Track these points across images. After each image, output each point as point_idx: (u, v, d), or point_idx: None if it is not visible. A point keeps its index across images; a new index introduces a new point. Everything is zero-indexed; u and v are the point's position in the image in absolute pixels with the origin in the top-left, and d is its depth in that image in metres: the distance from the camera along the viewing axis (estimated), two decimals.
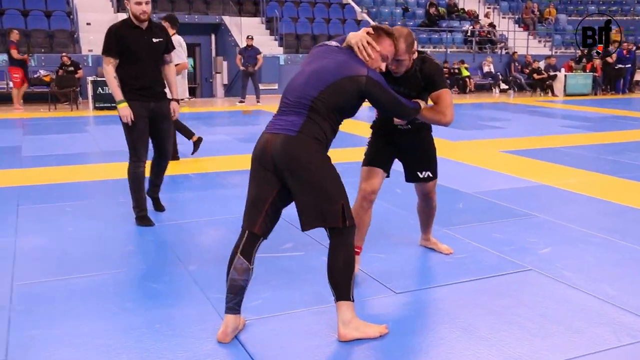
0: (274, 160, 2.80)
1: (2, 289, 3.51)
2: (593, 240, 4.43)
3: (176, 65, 6.81)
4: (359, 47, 2.95)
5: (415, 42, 3.53)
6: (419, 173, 3.80)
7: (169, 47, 4.79)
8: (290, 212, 4.45)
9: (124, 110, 4.50)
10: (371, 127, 3.86)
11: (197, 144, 7.50)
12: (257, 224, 2.86)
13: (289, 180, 2.80)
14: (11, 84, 14.17)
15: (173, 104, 4.90)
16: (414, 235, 4.41)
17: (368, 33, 2.99)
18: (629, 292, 3.48)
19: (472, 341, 2.93)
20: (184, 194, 5.66)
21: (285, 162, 2.78)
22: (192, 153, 7.53)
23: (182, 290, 3.53)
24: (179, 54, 6.92)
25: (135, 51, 4.55)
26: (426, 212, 4.09)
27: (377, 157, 3.73)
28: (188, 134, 7.47)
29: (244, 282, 2.86)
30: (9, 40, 13.70)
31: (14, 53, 13.54)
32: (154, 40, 4.63)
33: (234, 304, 2.89)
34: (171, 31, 6.93)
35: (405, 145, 3.75)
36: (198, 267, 3.87)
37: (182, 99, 7.04)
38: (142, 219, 4.78)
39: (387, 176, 3.80)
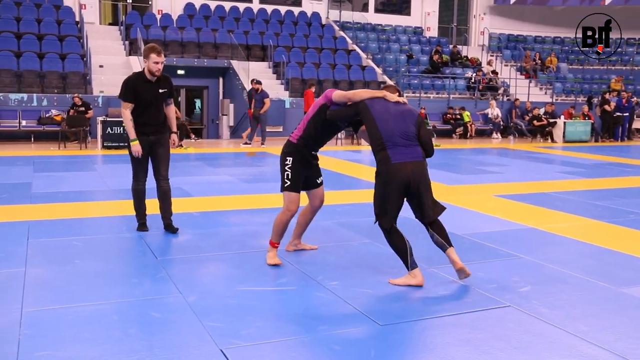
0: None
1: (12, 315, 3.77)
2: (571, 280, 4.67)
3: None
4: None
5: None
6: (317, 180, 5.06)
7: (172, 93, 5.82)
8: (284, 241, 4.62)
9: (136, 147, 5.61)
10: (289, 155, 4.84)
11: None
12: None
13: None
14: (24, 123, 15.31)
15: (173, 136, 5.96)
16: (402, 271, 4.64)
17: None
18: (599, 328, 3.72)
19: None
20: (187, 231, 5.93)
21: None
22: None
23: (181, 319, 3.78)
24: None
25: (146, 100, 5.60)
26: (313, 214, 5.18)
27: (300, 182, 4.88)
28: None
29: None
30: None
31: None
32: (160, 91, 5.67)
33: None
34: None
35: (313, 164, 5.01)
36: (197, 299, 4.12)
37: None
38: (142, 226, 5.96)
39: None
